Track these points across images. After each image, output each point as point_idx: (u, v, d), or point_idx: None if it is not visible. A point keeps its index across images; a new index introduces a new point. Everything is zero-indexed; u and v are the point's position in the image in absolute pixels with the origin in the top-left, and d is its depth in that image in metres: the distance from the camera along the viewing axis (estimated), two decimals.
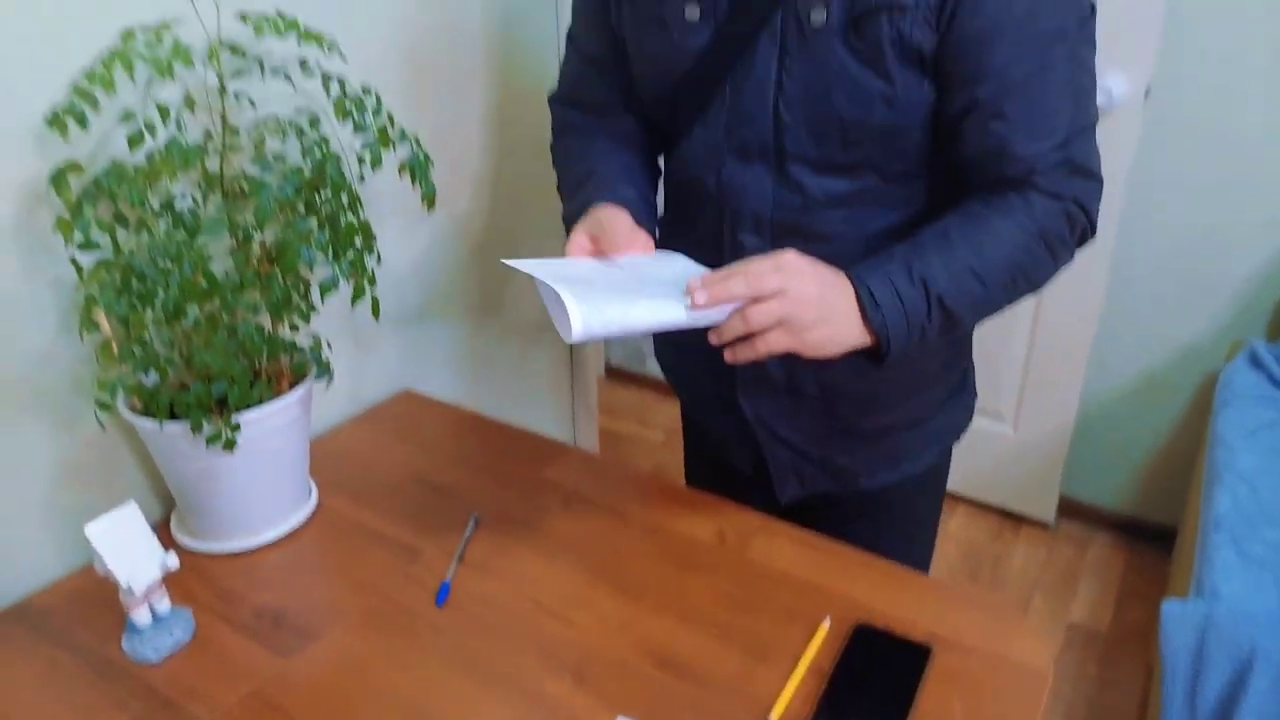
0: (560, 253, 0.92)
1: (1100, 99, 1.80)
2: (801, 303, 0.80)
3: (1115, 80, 1.80)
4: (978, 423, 2.28)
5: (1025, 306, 2.09)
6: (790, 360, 1.01)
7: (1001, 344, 2.15)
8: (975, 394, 1.19)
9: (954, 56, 0.85)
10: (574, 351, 1.81)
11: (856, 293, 0.84)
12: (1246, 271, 1.93)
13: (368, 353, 1.34)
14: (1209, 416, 1.81)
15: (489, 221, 1.51)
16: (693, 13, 0.92)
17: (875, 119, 0.89)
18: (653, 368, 2.59)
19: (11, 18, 0.85)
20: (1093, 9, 0.88)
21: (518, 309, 1.63)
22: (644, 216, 0.99)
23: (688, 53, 0.94)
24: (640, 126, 1.09)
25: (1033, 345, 2.13)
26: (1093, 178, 0.89)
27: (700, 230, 1.02)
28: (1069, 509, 2.33)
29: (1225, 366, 1.84)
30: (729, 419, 1.13)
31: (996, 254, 0.86)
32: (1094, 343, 2.08)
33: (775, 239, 0.95)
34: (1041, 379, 2.15)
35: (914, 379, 1.08)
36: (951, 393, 1.13)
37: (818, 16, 0.86)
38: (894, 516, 1.19)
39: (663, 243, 1.01)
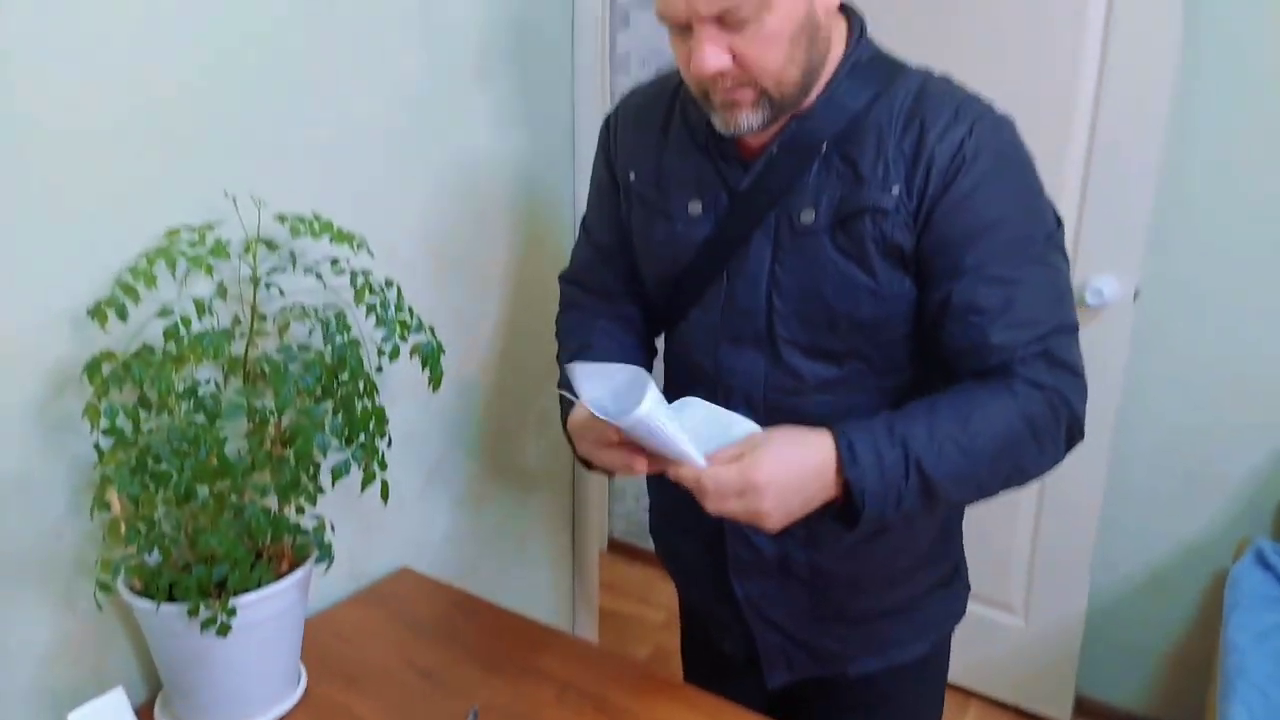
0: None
1: (1092, 299, 1.88)
2: (762, 513, 0.85)
3: (1105, 282, 1.87)
4: (988, 614, 2.25)
5: (1028, 497, 2.09)
6: (782, 542, 1.04)
7: (1006, 534, 2.13)
8: (968, 586, 1.19)
9: (933, 256, 0.92)
10: (576, 530, 1.81)
11: (836, 445, 0.86)
12: (1246, 470, 1.94)
13: (369, 530, 1.35)
14: (1220, 615, 1.78)
15: (498, 399, 1.55)
16: (695, 208, 1.01)
17: (862, 311, 0.95)
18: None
19: (63, 212, 0.91)
20: (1059, 223, 0.96)
21: (522, 486, 1.65)
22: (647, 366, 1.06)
23: (690, 244, 1.02)
24: (640, 313, 1.15)
25: (1037, 535, 2.11)
26: (1076, 374, 0.93)
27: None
28: (1086, 708, 2.24)
29: (1233, 566, 1.82)
30: (721, 601, 1.14)
31: (981, 428, 0.88)
32: (1099, 537, 2.06)
33: (767, 418, 0.99)
34: (1049, 570, 2.12)
35: (901, 567, 1.09)
36: (941, 584, 1.14)
37: (807, 216, 0.95)
38: (890, 709, 1.17)
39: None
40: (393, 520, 1.38)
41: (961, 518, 1.19)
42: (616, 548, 2.89)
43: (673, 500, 1.09)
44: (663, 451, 0.87)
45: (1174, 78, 1.75)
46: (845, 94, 0.95)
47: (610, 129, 1.14)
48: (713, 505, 0.86)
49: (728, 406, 1.00)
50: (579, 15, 1.53)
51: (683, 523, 1.17)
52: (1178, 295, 1.93)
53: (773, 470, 0.84)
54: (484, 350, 1.50)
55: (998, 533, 2.14)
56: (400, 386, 1.32)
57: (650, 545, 1.11)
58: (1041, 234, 0.93)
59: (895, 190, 0.91)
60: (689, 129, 1.03)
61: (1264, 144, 1.79)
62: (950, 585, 1.15)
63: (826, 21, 0.93)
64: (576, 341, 1.14)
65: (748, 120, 0.91)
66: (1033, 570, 2.15)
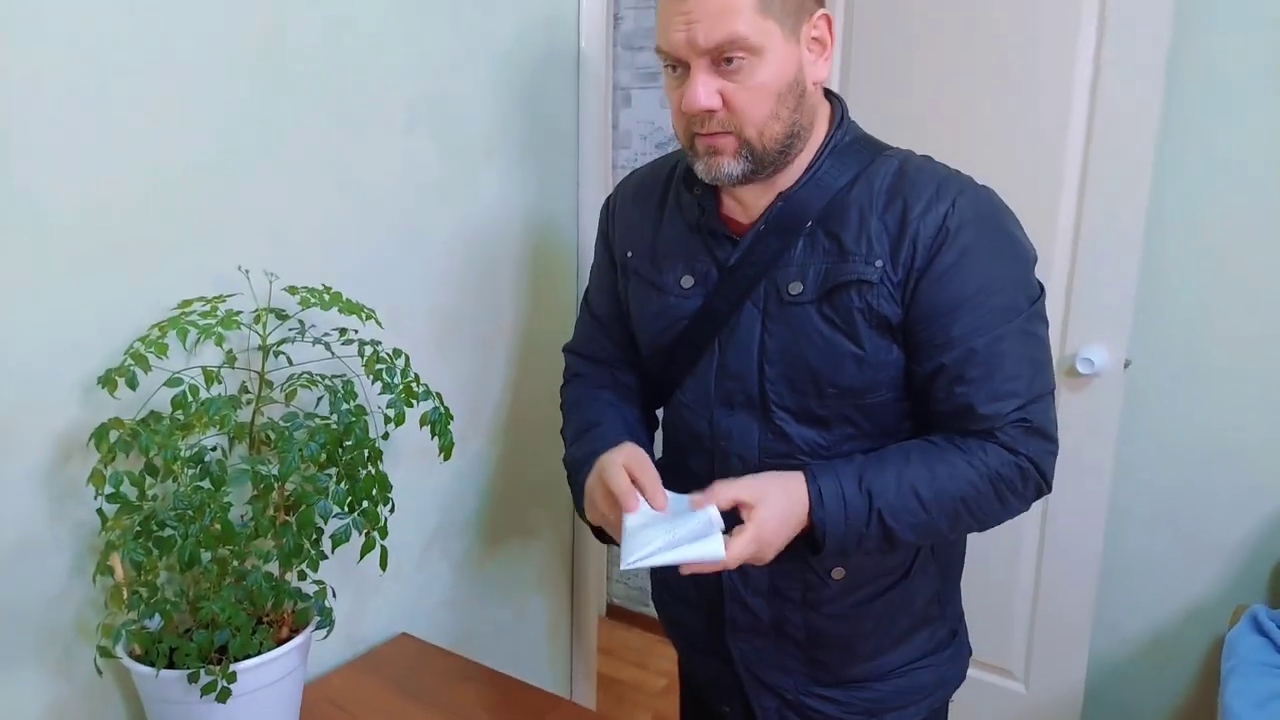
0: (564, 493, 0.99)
1: (1083, 368, 1.91)
2: (766, 558, 0.94)
3: (1095, 351, 1.90)
4: (989, 680, 2.23)
5: (1027, 561, 2.09)
6: (778, 605, 1.06)
7: (1006, 599, 2.13)
8: (969, 650, 1.20)
9: (919, 328, 0.96)
10: (575, 596, 1.81)
11: (808, 488, 0.95)
12: (1241, 535, 1.95)
13: (367, 596, 1.35)
14: (1219, 680, 1.77)
15: (500, 466, 1.57)
16: (687, 281, 1.06)
17: (847, 378, 0.99)
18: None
19: (78, 285, 0.95)
20: (1041, 290, 1.00)
21: (522, 552, 1.65)
22: (648, 447, 1.12)
23: (683, 315, 1.06)
24: (639, 381, 1.19)
25: (1037, 600, 2.11)
26: (1049, 440, 0.99)
27: (693, 466, 1.10)
28: None
29: (1229, 632, 1.81)
30: (718, 663, 1.15)
31: (947, 485, 0.95)
32: (1099, 601, 2.06)
33: None
34: (1049, 635, 2.11)
35: (899, 629, 1.11)
36: (939, 646, 1.14)
37: (795, 289, 0.99)
38: None
39: (664, 477, 1.06)
40: (391, 586, 1.39)
41: (959, 579, 1.20)
42: (616, 613, 2.87)
43: (668, 570, 1.09)
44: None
45: (1155, 155, 1.81)
46: (828, 173, 0.99)
47: (609, 210, 1.20)
48: (734, 565, 0.92)
49: (724, 470, 1.04)
50: (584, 96, 1.59)
51: (682, 593, 1.19)
52: (1167, 364, 1.96)
53: (775, 526, 0.93)
54: (486, 419, 1.52)
55: (997, 598, 2.13)
56: (402, 454, 1.34)
57: (649, 610, 1.14)
58: (1025, 301, 0.97)
59: (879, 264, 0.96)
60: (681, 209, 1.09)
61: (1244, 217, 1.84)
62: (948, 648, 1.16)
63: (813, 94, 0.98)
64: (584, 419, 1.17)
65: (729, 168, 0.96)
66: (1033, 635, 2.14)
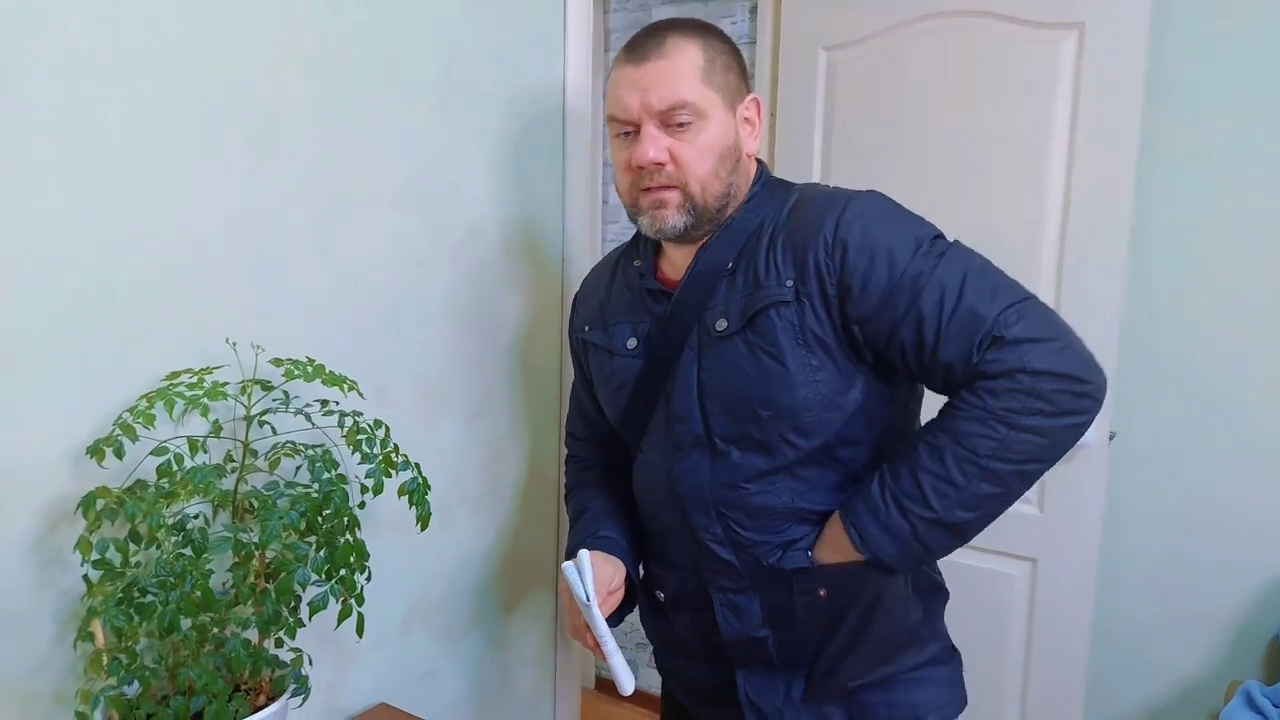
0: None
1: None
2: None
3: None
4: None
5: (1017, 631, 2.08)
6: (783, 638, 1.14)
7: (995, 670, 2.11)
8: (960, 666, 1.23)
9: (871, 328, 1.03)
10: (559, 670, 1.80)
11: (847, 535, 1.05)
12: (1234, 608, 1.94)
13: (349, 664, 1.36)
14: None
15: (484, 537, 1.58)
16: (631, 342, 1.18)
17: (779, 398, 1.06)
18: (642, 682, 2.53)
19: (68, 357, 0.98)
20: (936, 235, 1.07)
21: (505, 623, 1.66)
22: (621, 551, 1.22)
23: (632, 373, 1.17)
24: (620, 452, 1.28)
25: (1028, 672, 2.09)
26: (1036, 341, 0.98)
27: (664, 521, 1.19)
28: None
29: (1223, 709, 1.79)
30: (728, 708, 1.19)
31: (959, 451, 0.99)
32: (1094, 674, 2.05)
33: (720, 516, 1.11)
34: (1041, 709, 2.09)
35: (885, 645, 1.14)
36: (931, 663, 1.18)
37: (720, 325, 1.09)
38: None
39: (647, 536, 1.24)
40: (372, 655, 1.39)
41: (943, 609, 1.23)
42: (604, 686, 2.83)
43: (677, 634, 1.24)
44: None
45: (1131, 229, 1.86)
46: (740, 222, 1.12)
47: (573, 308, 1.36)
48: None
49: (686, 513, 1.13)
50: (569, 175, 1.65)
51: (681, 647, 1.25)
52: (1153, 436, 1.99)
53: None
54: (470, 490, 1.54)
55: (987, 669, 2.11)
56: (384, 523, 1.36)
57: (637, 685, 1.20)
58: (927, 244, 1.03)
59: (789, 283, 1.05)
60: (626, 281, 1.23)
61: (1227, 287, 1.89)
62: (944, 666, 1.20)
63: (746, 163, 1.13)
64: (577, 505, 1.35)
65: (672, 220, 1.08)
66: (1025, 707, 2.11)
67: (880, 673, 1.14)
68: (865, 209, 1.05)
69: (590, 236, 1.72)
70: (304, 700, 1.08)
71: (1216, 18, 1.84)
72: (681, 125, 1.05)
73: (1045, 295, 1.94)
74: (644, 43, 1.08)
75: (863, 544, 1.04)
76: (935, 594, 1.22)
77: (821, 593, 1.09)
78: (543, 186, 1.61)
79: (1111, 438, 1.93)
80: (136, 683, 0.96)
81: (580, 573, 1.10)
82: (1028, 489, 1.03)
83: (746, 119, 1.12)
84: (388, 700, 1.41)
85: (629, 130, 1.08)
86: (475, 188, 1.47)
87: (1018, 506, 1.98)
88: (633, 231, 1.23)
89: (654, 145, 1.05)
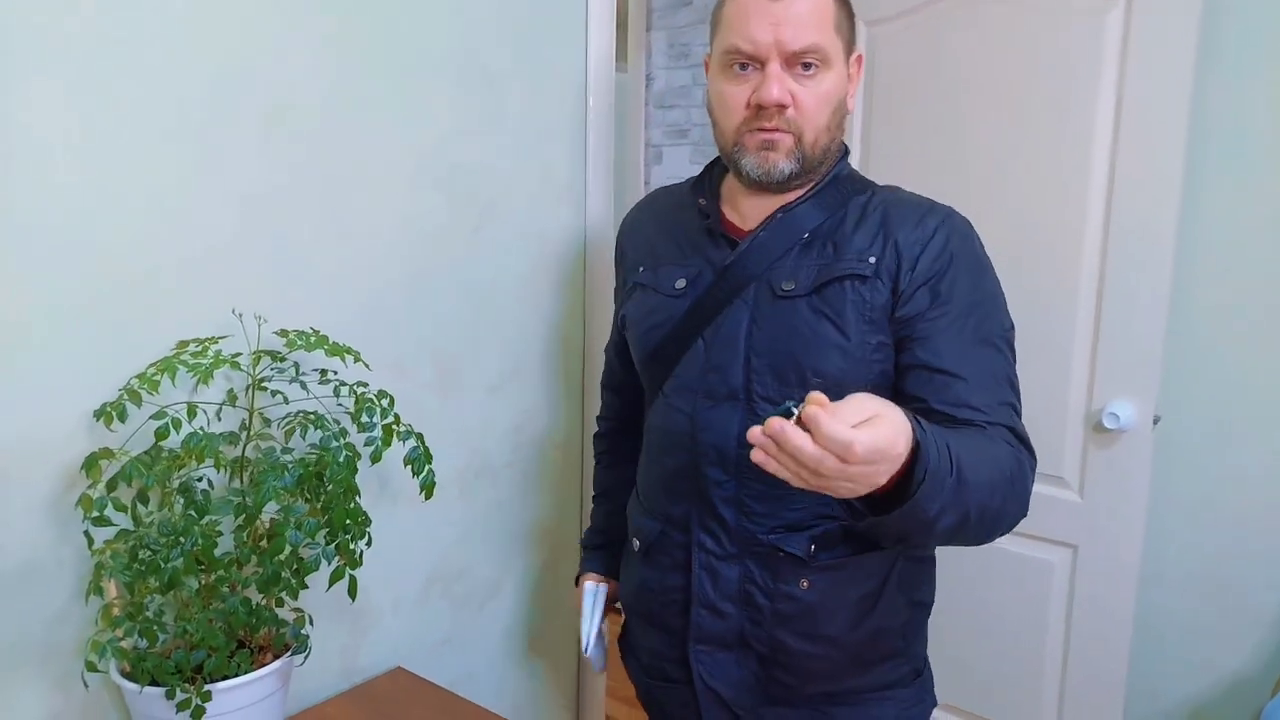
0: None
1: (1109, 423, 1.86)
2: (850, 485, 0.77)
3: (1122, 406, 1.86)
4: None
5: (1056, 621, 2.02)
6: (745, 612, 1.12)
7: (1033, 662, 2.06)
8: (934, 701, 1.19)
9: (917, 327, 1.03)
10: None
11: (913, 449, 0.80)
12: None
13: (367, 629, 1.41)
14: None
15: (505, 510, 1.61)
16: (680, 283, 1.15)
17: (831, 368, 1.05)
18: None
19: (85, 325, 1.04)
20: (1012, 326, 1.07)
21: (526, 593, 1.69)
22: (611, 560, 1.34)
23: (673, 314, 1.14)
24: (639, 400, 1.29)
25: (1066, 665, 2.04)
26: (1033, 453, 1.01)
27: (669, 465, 1.16)
28: None
29: (1269, 703, 1.72)
30: (677, 686, 1.19)
31: (984, 447, 0.94)
32: (1138, 668, 1.98)
33: (738, 474, 1.09)
34: (1081, 703, 2.03)
35: (860, 657, 1.12)
36: (901, 682, 1.16)
37: (788, 285, 1.07)
38: None
39: (642, 479, 1.24)
40: (389, 620, 1.44)
41: (927, 617, 1.20)
42: None
43: (642, 586, 1.22)
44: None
45: (1182, 201, 1.78)
46: (828, 196, 1.10)
47: (620, 244, 1.31)
48: (833, 473, 0.73)
49: (700, 463, 1.12)
50: (591, 154, 1.66)
51: (649, 611, 1.22)
52: (1199, 420, 1.91)
53: (893, 444, 0.76)
54: (492, 462, 1.58)
55: (1026, 661, 2.07)
56: (403, 491, 1.40)
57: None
58: (1003, 326, 1.05)
59: (872, 260, 1.05)
60: (680, 219, 1.20)
61: (1275, 266, 1.80)
62: (910, 687, 1.16)
63: (845, 121, 1.11)
64: (598, 484, 1.43)
65: (781, 165, 1.05)
66: (1063, 702, 2.06)
67: (851, 683, 1.12)
68: (968, 233, 1.08)
69: (607, 217, 1.72)
70: (305, 658, 1.13)
71: None
72: (808, 69, 1.02)
73: (1089, 275, 1.89)
74: None
75: (919, 426, 0.81)
76: (921, 609, 1.19)
77: (804, 583, 1.08)
78: (564, 165, 1.63)
79: (1156, 421, 1.86)
80: (145, 638, 1.02)
81: (593, 607, 1.34)
82: (980, 533, 0.93)
83: (851, 74, 1.10)
84: (405, 665, 1.46)
85: (747, 64, 1.04)
86: (494, 166, 1.49)
87: (1056, 490, 1.95)
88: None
89: (780, 86, 1.02)
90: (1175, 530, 1.96)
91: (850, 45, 1.08)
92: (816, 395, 0.74)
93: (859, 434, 0.71)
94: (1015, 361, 1.06)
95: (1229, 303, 1.85)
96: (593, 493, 1.44)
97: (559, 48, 1.58)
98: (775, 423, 0.73)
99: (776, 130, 1.04)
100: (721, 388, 1.10)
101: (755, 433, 0.75)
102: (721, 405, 1.10)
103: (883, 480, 0.77)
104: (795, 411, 0.74)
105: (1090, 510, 1.94)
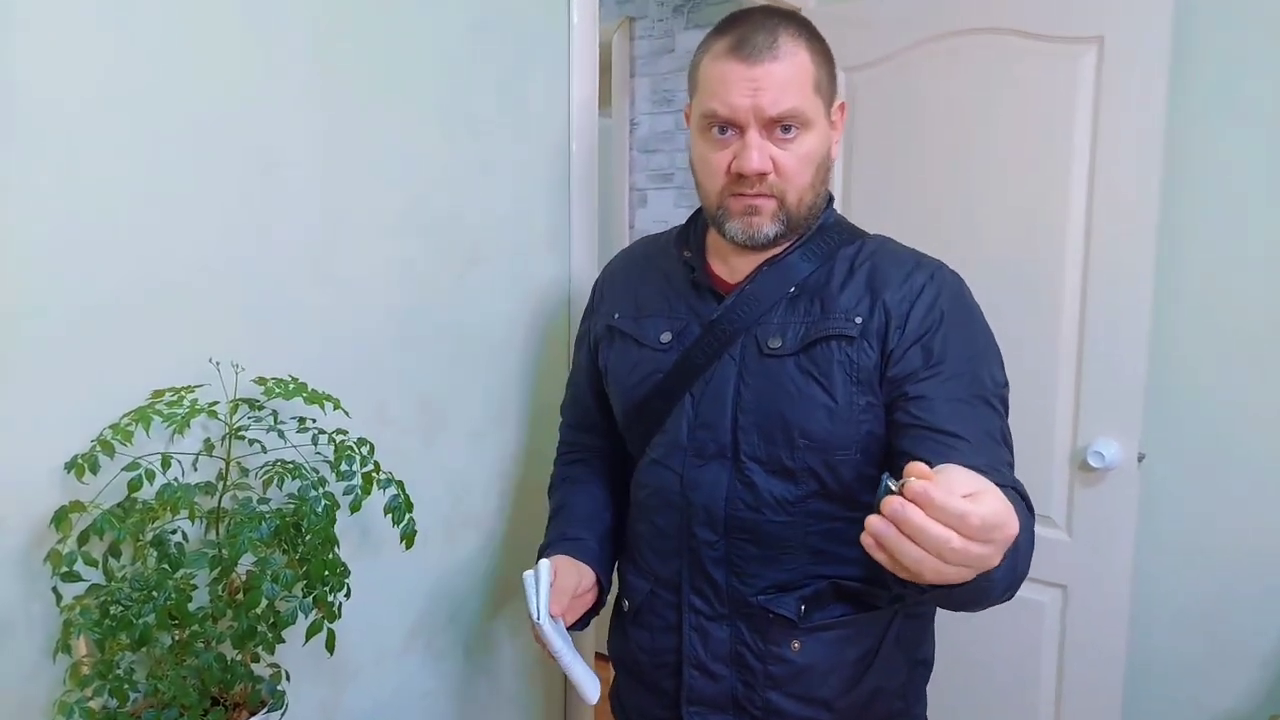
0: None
1: (1094, 461, 1.86)
2: (965, 570, 0.68)
3: (1107, 445, 1.86)
4: None
5: (1048, 662, 2.00)
6: (737, 674, 1.09)
7: (1027, 706, 2.03)
8: None
9: (907, 385, 1.01)
10: (569, 696, 1.79)
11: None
12: (1274, 640, 1.84)
13: (346, 682, 1.37)
14: None
15: (489, 558, 1.59)
16: (666, 336, 1.13)
17: (819, 429, 1.03)
18: None
19: (55, 370, 1.02)
20: (1006, 383, 1.06)
21: (511, 644, 1.66)
22: (590, 554, 1.19)
23: (659, 368, 1.12)
24: (613, 448, 1.27)
25: (1059, 705, 2.01)
26: (1032, 512, 0.95)
27: (660, 524, 1.14)
28: None
29: None
30: None
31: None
32: (1129, 707, 1.96)
33: (727, 534, 1.07)
34: None
35: (853, 713, 1.09)
36: None
37: (775, 343, 1.06)
38: None
39: (631, 538, 1.20)
40: (371, 673, 1.41)
41: (927, 677, 1.17)
42: None
43: (634, 647, 1.19)
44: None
45: (1159, 241, 1.80)
46: (815, 244, 1.09)
47: (598, 288, 1.31)
48: (956, 555, 0.66)
49: (690, 523, 1.09)
50: (574, 201, 1.66)
51: (639, 671, 1.20)
52: (1184, 457, 1.91)
53: (1006, 520, 0.68)
54: (475, 510, 1.56)
55: (1019, 704, 2.04)
56: (385, 541, 1.38)
57: None
58: (997, 382, 1.03)
59: (858, 320, 1.03)
60: (666, 271, 1.19)
61: (1254, 301, 1.81)
62: None
63: (829, 174, 1.10)
64: (558, 500, 1.32)
65: (765, 230, 1.04)
66: None
67: None
68: (958, 289, 1.07)
69: (589, 264, 1.72)
70: (282, 715, 1.10)
71: (1241, 28, 1.78)
72: (788, 131, 1.01)
73: (1069, 312, 1.90)
74: (754, 39, 1.01)
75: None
76: (923, 668, 1.17)
77: (795, 645, 1.06)
78: (547, 210, 1.63)
79: (1141, 459, 1.86)
80: (112, 695, 0.99)
81: (538, 584, 1.07)
82: (1010, 594, 0.88)
83: (833, 123, 1.09)
84: None
85: (726, 128, 1.03)
86: (478, 212, 1.49)
87: (1044, 529, 1.94)
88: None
89: (760, 154, 1.01)
90: (1164, 568, 1.95)
91: (831, 98, 1.08)
92: (918, 468, 0.67)
93: (974, 507, 0.64)
94: (1008, 416, 1.04)
95: (1210, 339, 1.87)
96: (554, 508, 1.32)
97: (542, 93, 1.60)
98: (895, 503, 0.65)
99: (759, 195, 1.03)
100: (710, 445, 1.08)
101: (874, 521, 0.66)
102: (710, 464, 1.09)
103: (998, 560, 0.68)
104: (894, 488, 0.67)
105: (1079, 549, 1.94)
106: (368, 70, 1.31)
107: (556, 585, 1.09)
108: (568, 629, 1.11)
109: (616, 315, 1.21)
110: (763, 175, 1.02)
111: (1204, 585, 1.91)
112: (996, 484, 0.76)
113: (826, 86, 1.05)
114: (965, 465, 0.77)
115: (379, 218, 1.34)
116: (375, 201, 1.34)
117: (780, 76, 0.99)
